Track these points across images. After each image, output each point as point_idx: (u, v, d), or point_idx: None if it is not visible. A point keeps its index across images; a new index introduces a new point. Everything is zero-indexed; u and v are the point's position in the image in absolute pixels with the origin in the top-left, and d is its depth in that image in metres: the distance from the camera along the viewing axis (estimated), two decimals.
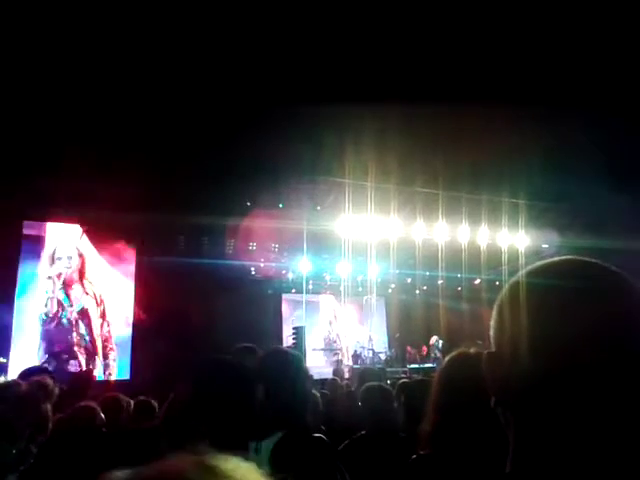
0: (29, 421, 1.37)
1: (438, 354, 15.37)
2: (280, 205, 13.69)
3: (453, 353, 1.64)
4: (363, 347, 16.33)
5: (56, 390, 1.97)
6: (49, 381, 2.04)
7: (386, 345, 17.66)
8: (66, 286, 12.78)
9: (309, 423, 1.91)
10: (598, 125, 9.95)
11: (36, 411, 1.40)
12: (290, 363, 1.92)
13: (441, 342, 15.79)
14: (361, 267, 16.23)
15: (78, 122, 9.71)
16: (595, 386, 0.61)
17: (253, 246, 14.84)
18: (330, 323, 17.71)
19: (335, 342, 17.33)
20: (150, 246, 13.28)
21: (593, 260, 0.70)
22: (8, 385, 1.64)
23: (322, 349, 17.09)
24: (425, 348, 16.27)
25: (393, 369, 14.20)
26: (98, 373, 12.44)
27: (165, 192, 11.45)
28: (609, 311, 0.63)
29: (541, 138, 10.63)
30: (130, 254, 13.42)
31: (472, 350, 1.54)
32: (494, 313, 0.73)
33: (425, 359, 15.84)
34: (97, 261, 13.14)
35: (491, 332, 0.72)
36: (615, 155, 10.72)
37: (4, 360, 10.10)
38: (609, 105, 9.52)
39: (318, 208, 14.40)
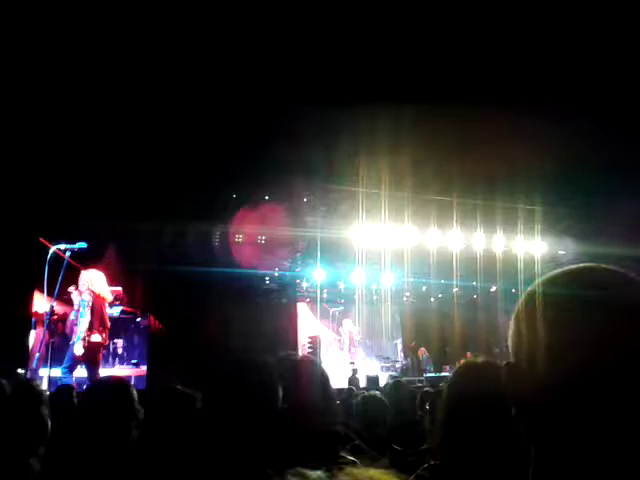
0: (27, 430, 1.30)
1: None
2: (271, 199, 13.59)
3: (460, 364, 1.61)
4: (379, 357, 16.24)
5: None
6: (38, 383, 1.96)
7: (402, 354, 17.53)
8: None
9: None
10: (615, 130, 9.85)
11: (34, 418, 1.33)
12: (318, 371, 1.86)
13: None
14: (375, 275, 16.16)
15: (76, 123, 9.74)
16: (614, 398, 0.60)
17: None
18: (344, 332, 17.62)
19: (351, 351, 17.22)
20: (165, 255, 13.28)
21: (612, 267, 0.69)
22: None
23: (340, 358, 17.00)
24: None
25: (409, 378, 14.06)
26: None
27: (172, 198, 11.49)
28: (629, 320, 0.62)
29: (557, 143, 10.53)
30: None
31: (479, 360, 1.51)
32: (511, 323, 0.72)
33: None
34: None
35: (509, 343, 0.71)
36: (633, 160, 10.58)
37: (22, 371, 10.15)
38: (627, 110, 9.43)
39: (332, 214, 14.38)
